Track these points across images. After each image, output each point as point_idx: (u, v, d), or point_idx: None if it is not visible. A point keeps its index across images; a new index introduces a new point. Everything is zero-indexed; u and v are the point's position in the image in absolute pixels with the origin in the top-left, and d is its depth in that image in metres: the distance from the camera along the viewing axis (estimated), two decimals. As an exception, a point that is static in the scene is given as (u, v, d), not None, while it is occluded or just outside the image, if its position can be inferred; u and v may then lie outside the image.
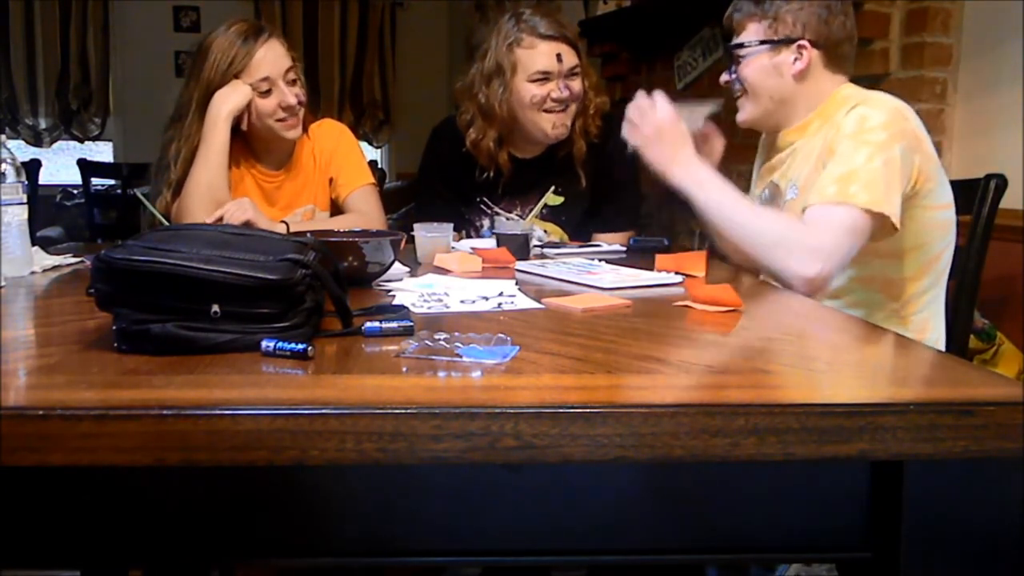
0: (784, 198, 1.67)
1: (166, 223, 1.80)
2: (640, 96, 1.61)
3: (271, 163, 2.00)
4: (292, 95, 1.88)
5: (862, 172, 1.45)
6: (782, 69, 1.63)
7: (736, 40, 1.67)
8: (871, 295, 1.60)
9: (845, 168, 1.47)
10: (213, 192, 1.83)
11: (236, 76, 1.84)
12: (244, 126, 1.89)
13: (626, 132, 1.62)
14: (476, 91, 2.08)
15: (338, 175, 2.02)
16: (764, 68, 1.64)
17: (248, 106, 1.87)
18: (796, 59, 1.62)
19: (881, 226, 1.47)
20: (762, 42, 1.63)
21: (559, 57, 2.00)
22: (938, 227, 1.60)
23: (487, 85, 2.06)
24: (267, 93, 1.86)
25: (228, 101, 1.84)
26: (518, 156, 2.14)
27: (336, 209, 2.04)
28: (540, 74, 2.01)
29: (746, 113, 1.70)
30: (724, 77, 1.72)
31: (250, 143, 1.97)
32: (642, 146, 1.59)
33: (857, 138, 1.49)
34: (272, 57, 1.86)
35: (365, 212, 1.98)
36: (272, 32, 1.90)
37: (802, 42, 1.62)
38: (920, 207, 1.54)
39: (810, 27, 1.62)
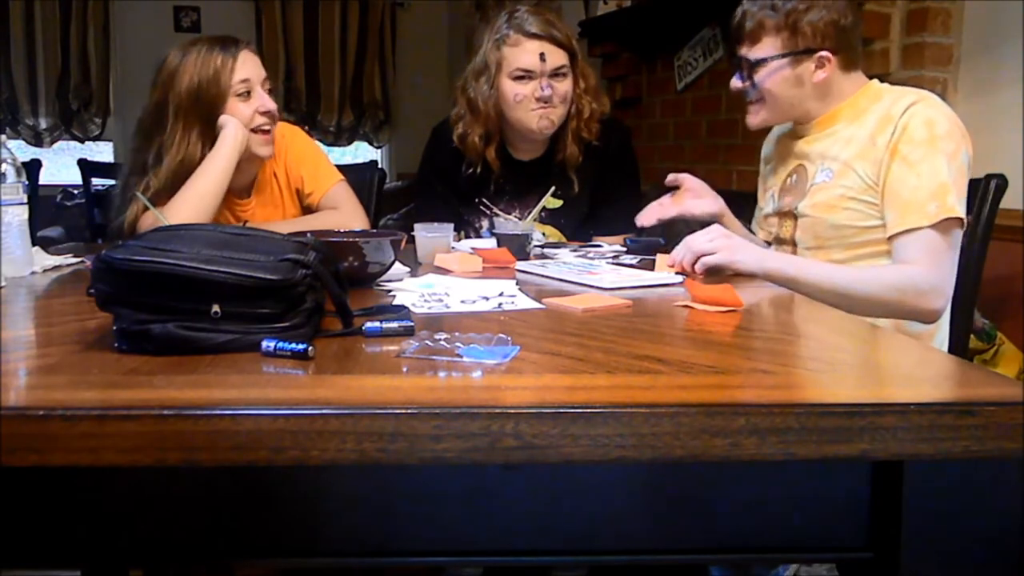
0: (812, 181, 1.66)
1: (167, 222, 1.79)
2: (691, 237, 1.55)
3: (239, 188, 1.94)
4: (270, 101, 1.86)
5: (951, 184, 1.50)
6: (804, 78, 1.63)
7: (753, 52, 1.64)
8: None
9: (934, 182, 1.50)
10: (204, 203, 1.78)
11: (225, 81, 1.80)
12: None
13: (709, 262, 1.50)
14: (467, 86, 2.08)
15: (304, 184, 1.99)
16: (786, 79, 1.63)
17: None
18: (818, 68, 1.61)
19: None
20: (783, 55, 1.61)
21: (542, 56, 1.99)
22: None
23: (475, 81, 2.06)
24: (246, 97, 1.83)
25: (243, 129, 1.82)
26: (516, 157, 2.14)
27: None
28: (521, 71, 2.00)
29: (761, 118, 1.70)
30: (735, 83, 1.69)
31: None
32: (730, 261, 1.50)
33: (932, 146, 1.52)
34: (252, 64, 1.85)
35: (343, 208, 1.97)
36: (248, 44, 1.89)
37: (823, 53, 1.60)
38: None
39: (829, 36, 1.60)
